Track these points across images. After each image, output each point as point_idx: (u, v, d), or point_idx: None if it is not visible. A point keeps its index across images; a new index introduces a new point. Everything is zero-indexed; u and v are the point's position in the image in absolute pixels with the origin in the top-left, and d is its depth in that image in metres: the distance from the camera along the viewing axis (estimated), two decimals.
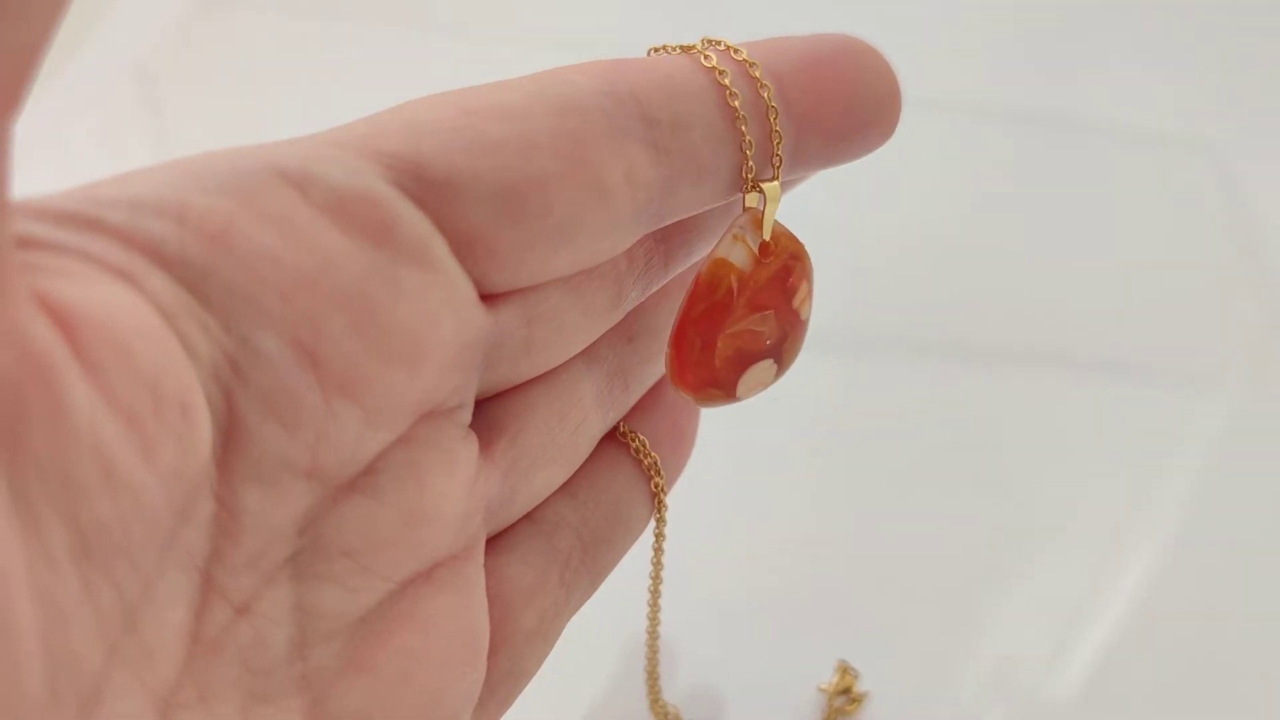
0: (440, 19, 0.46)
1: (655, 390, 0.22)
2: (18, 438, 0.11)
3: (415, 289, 0.15)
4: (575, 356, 0.20)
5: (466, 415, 0.18)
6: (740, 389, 0.20)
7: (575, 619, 0.21)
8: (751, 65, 0.17)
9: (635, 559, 0.23)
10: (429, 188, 0.15)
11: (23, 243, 0.13)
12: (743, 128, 0.17)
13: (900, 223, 0.41)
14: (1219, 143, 0.43)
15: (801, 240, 0.20)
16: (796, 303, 0.20)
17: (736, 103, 0.17)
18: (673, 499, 0.22)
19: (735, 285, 0.19)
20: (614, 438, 0.22)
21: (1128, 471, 0.35)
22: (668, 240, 0.20)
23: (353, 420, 0.15)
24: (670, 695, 0.29)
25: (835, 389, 0.36)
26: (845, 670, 0.30)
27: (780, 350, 0.20)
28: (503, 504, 0.19)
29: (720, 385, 0.20)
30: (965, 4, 0.49)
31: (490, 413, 0.19)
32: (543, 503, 0.20)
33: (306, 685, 0.16)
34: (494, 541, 0.19)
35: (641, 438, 0.22)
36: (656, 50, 0.18)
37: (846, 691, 0.29)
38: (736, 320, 0.19)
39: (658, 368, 0.22)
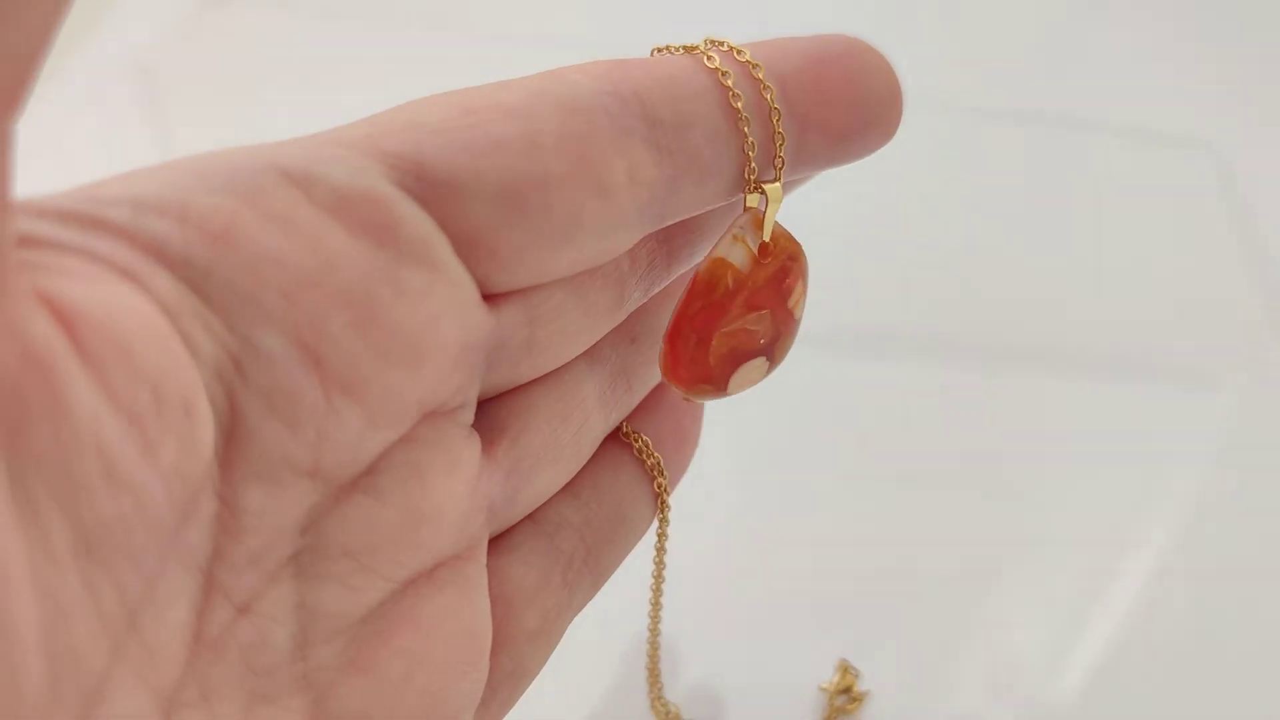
0: (442, 19, 0.46)
1: (658, 391, 0.22)
2: (19, 435, 0.11)
3: (417, 289, 0.15)
4: (578, 357, 0.20)
5: (469, 415, 0.18)
6: (731, 385, 0.20)
7: (577, 619, 0.21)
8: (755, 67, 0.17)
9: (637, 559, 0.23)
10: (432, 187, 0.15)
11: (25, 241, 0.13)
12: (745, 129, 0.17)
13: (903, 223, 0.41)
14: (1220, 142, 0.43)
15: (803, 240, 0.20)
16: (792, 303, 0.20)
17: (739, 104, 0.17)
18: (674, 499, 0.22)
19: (733, 285, 0.19)
20: (617, 438, 0.22)
21: (1129, 471, 0.35)
22: (670, 241, 0.20)
23: (355, 420, 0.15)
24: (671, 694, 0.29)
25: (837, 389, 0.36)
26: (846, 669, 0.30)
27: (773, 349, 0.20)
28: (505, 504, 0.19)
29: (712, 381, 0.20)
30: (966, 4, 0.49)
31: (493, 413, 0.19)
32: (545, 503, 0.20)
33: (308, 685, 0.16)
34: (496, 542, 0.19)
35: (644, 438, 0.22)
36: (660, 50, 0.18)
37: (847, 691, 0.29)
38: (733, 319, 0.19)
39: None
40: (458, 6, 0.47)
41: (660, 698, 0.28)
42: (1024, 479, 0.35)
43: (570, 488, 0.21)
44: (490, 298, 0.17)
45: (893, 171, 0.40)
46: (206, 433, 0.14)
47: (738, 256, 0.19)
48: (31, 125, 0.40)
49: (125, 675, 0.13)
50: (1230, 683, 0.31)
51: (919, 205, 0.42)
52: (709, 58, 0.17)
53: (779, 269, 0.19)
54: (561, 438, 0.19)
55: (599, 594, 0.21)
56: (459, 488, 0.17)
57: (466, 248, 0.16)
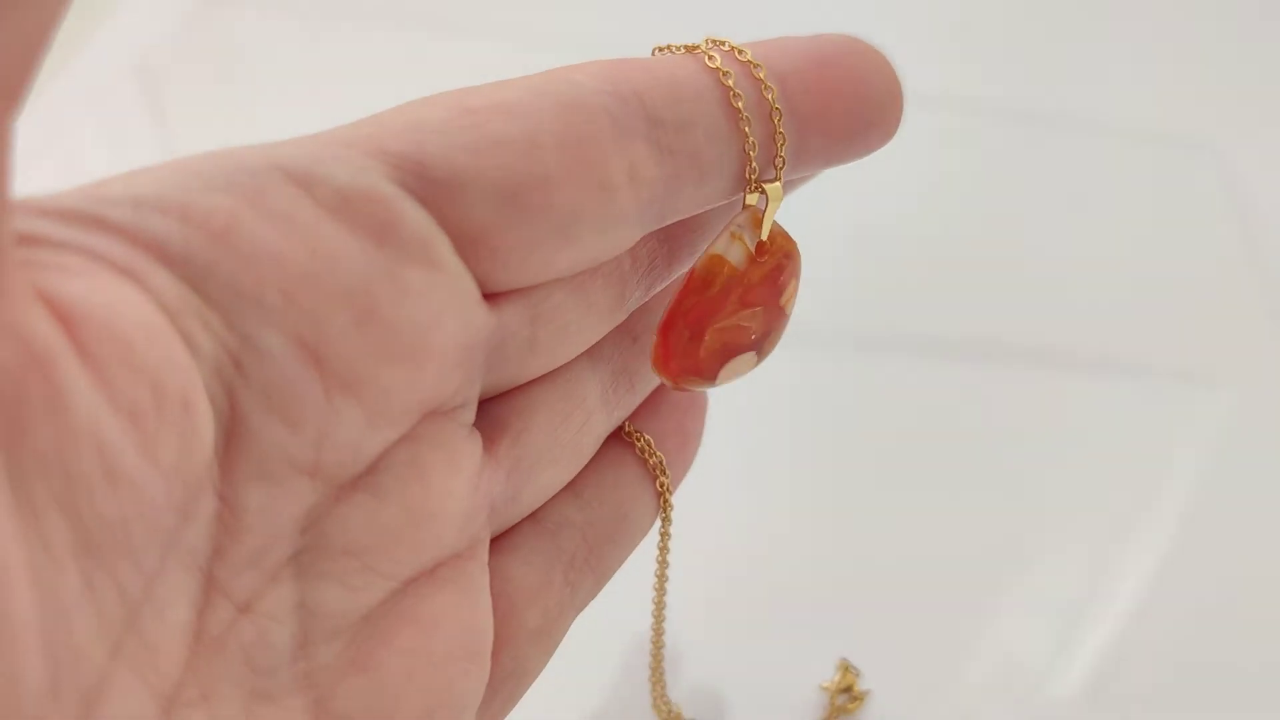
0: (442, 19, 0.46)
1: (661, 390, 0.22)
2: (19, 433, 0.11)
3: (418, 287, 0.15)
4: (579, 356, 0.20)
5: (470, 414, 0.18)
6: (720, 377, 0.20)
7: (579, 618, 0.21)
8: (756, 66, 0.17)
9: (638, 557, 0.23)
10: (432, 186, 0.15)
11: (25, 240, 0.13)
12: (746, 129, 0.17)
13: (903, 222, 0.41)
14: (1220, 141, 0.43)
15: (803, 239, 0.20)
16: (784, 300, 0.20)
17: (740, 104, 0.17)
18: (675, 499, 0.22)
19: (729, 282, 0.19)
20: (619, 437, 0.22)
21: (1130, 469, 0.35)
22: (671, 240, 0.20)
23: (355, 418, 0.15)
24: (672, 693, 0.29)
25: (838, 388, 0.36)
26: (847, 668, 0.30)
27: (763, 343, 0.20)
28: (507, 503, 0.19)
29: (700, 374, 0.20)
30: (967, 3, 0.49)
31: (494, 412, 0.19)
32: (547, 502, 0.20)
33: (309, 684, 0.16)
34: (498, 541, 0.19)
35: (647, 437, 0.22)
36: (661, 50, 0.18)
37: (848, 690, 0.29)
38: (727, 316, 0.19)
39: None
40: (458, 7, 0.47)
41: (663, 697, 0.28)
42: (1025, 478, 0.35)
43: (572, 487, 0.21)
44: (491, 297, 0.17)
45: (893, 170, 0.40)
46: (206, 431, 0.14)
47: (735, 255, 0.19)
48: (33, 125, 0.41)
49: (125, 674, 0.13)
50: (1232, 680, 0.31)
51: (919, 204, 0.42)
52: (710, 57, 0.17)
53: (774, 267, 0.19)
54: (563, 437, 0.19)
55: (600, 594, 0.21)
56: (460, 487, 0.17)
57: (467, 247, 0.16)
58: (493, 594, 0.19)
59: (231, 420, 0.14)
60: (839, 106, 0.18)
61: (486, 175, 0.15)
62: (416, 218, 0.15)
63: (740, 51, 0.17)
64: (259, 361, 0.14)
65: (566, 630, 0.20)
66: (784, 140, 0.18)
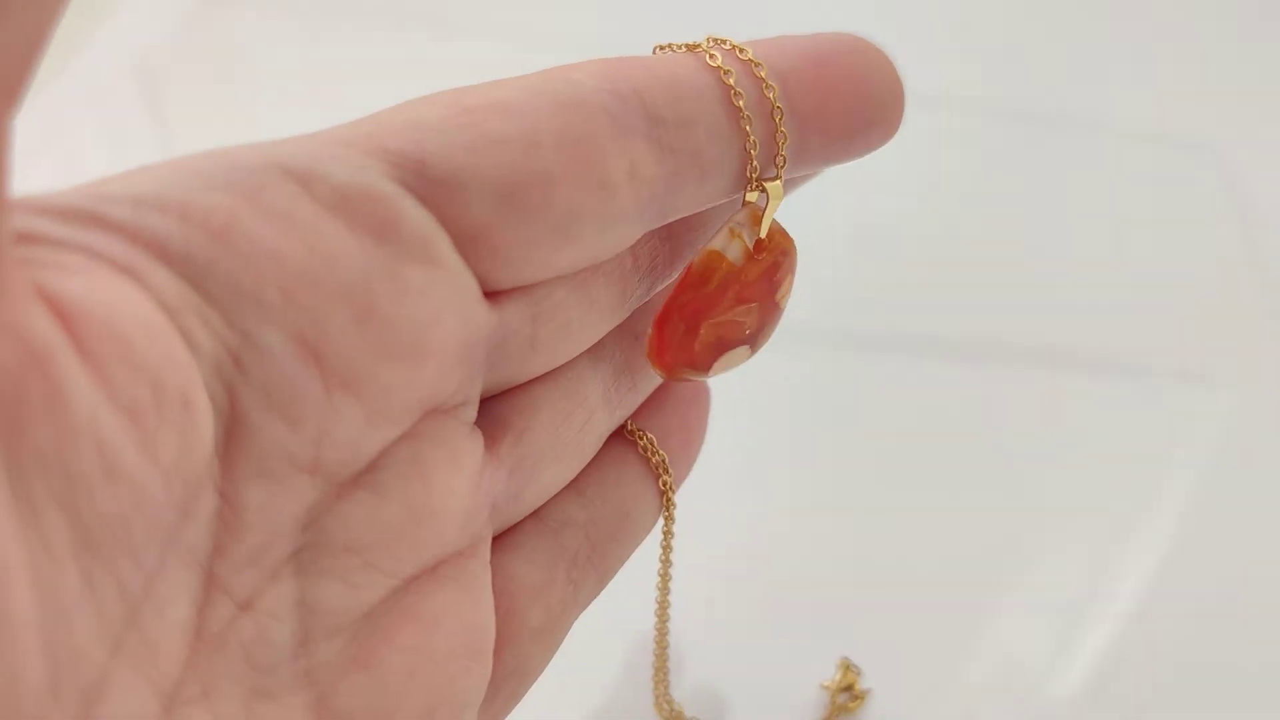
0: (443, 19, 0.46)
1: (664, 388, 0.22)
2: (18, 430, 0.11)
3: (418, 285, 0.15)
4: (581, 354, 0.20)
5: (471, 412, 0.18)
6: (714, 370, 0.20)
7: (582, 617, 0.21)
8: (757, 65, 0.17)
9: (639, 556, 0.23)
10: (432, 185, 0.15)
11: (25, 238, 0.13)
12: (748, 128, 0.17)
13: (904, 221, 0.41)
14: (1221, 140, 0.43)
15: (803, 238, 0.20)
16: (779, 295, 0.20)
17: (741, 103, 0.17)
18: (677, 498, 0.22)
19: (726, 279, 0.19)
20: (622, 436, 0.22)
21: (1130, 469, 0.35)
22: (673, 239, 0.20)
23: (355, 416, 0.15)
24: (673, 692, 0.29)
25: (840, 388, 0.36)
26: (848, 667, 0.30)
27: (756, 337, 0.20)
28: (509, 502, 0.19)
29: (695, 367, 0.20)
30: (968, 2, 0.49)
31: (496, 410, 0.19)
32: (550, 501, 0.20)
33: (310, 682, 0.16)
34: (500, 539, 0.19)
35: (649, 435, 0.22)
36: (661, 48, 0.18)
37: (849, 689, 0.29)
38: (723, 311, 0.19)
39: None
40: (459, 6, 0.47)
41: (666, 696, 0.28)
42: (1025, 477, 0.35)
43: (575, 485, 0.21)
44: (492, 295, 0.17)
45: (894, 170, 0.40)
46: (206, 428, 0.14)
47: (733, 252, 0.19)
48: (33, 125, 0.41)
49: (126, 672, 0.13)
50: (1233, 679, 0.31)
51: (920, 204, 0.42)
52: (711, 56, 0.17)
53: (771, 264, 0.19)
54: (565, 435, 0.19)
55: (603, 593, 0.21)
56: (461, 485, 0.17)
57: (467, 244, 0.16)
58: (495, 592, 0.19)
59: (231, 418, 0.14)
60: (840, 105, 0.18)
61: (486, 173, 0.15)
62: (416, 216, 0.15)
63: (741, 50, 0.17)
64: (259, 359, 0.14)
65: (569, 629, 0.20)
66: (785, 139, 0.18)
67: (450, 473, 0.17)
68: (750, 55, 0.17)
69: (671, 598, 0.25)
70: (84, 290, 0.13)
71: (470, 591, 0.18)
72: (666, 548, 0.23)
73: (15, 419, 0.11)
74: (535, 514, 0.20)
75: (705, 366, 0.20)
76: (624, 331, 0.21)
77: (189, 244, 0.14)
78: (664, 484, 0.22)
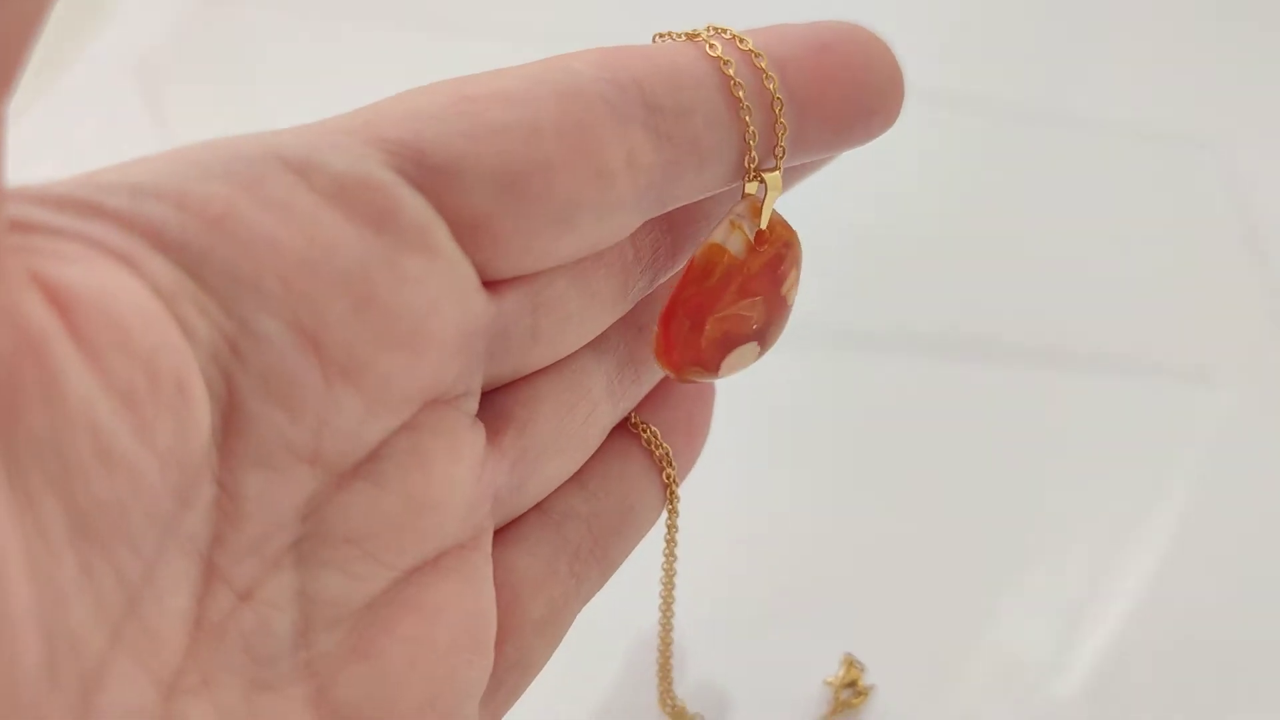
0: (443, 18, 0.46)
1: (668, 381, 0.22)
2: (13, 416, 0.11)
3: (417, 274, 0.15)
4: (584, 347, 0.19)
5: (472, 404, 0.17)
6: (723, 369, 0.20)
7: (585, 612, 0.21)
8: (757, 56, 0.17)
9: (642, 554, 0.23)
10: (430, 173, 0.15)
11: (20, 226, 0.13)
12: (747, 118, 0.17)
13: (905, 220, 0.41)
14: (1222, 139, 0.43)
15: (806, 235, 0.20)
16: (785, 289, 0.20)
17: (741, 93, 0.17)
18: (681, 494, 0.22)
19: (728, 271, 0.19)
20: (625, 428, 0.22)
21: (1132, 467, 0.34)
22: (675, 230, 0.20)
23: (355, 405, 0.15)
24: (676, 688, 0.29)
25: (842, 385, 0.36)
26: (851, 663, 0.29)
27: (764, 333, 0.20)
28: (511, 494, 0.19)
29: (703, 365, 0.20)
30: (968, 2, 0.49)
31: (499, 402, 0.19)
32: (553, 493, 0.20)
33: (311, 672, 0.16)
34: (503, 532, 0.19)
35: (653, 429, 0.21)
36: (661, 37, 0.18)
37: (852, 684, 0.29)
38: (727, 305, 0.19)
39: None
40: (459, 6, 0.47)
41: (669, 692, 0.28)
42: (1027, 476, 0.34)
43: (578, 478, 0.20)
44: (491, 284, 0.17)
45: (895, 168, 0.40)
46: (203, 416, 0.14)
47: (734, 243, 0.19)
48: (34, 124, 0.41)
49: (125, 661, 0.13)
50: (1234, 678, 0.30)
51: (921, 202, 0.42)
52: (711, 46, 0.17)
53: (774, 256, 0.19)
54: (568, 427, 0.19)
55: (607, 589, 0.21)
56: (462, 476, 0.17)
57: (466, 234, 0.16)
58: (497, 585, 0.19)
59: (229, 406, 0.14)
60: (838, 92, 0.18)
61: (485, 162, 0.15)
62: (414, 205, 0.15)
63: (741, 40, 0.17)
64: (257, 347, 0.14)
65: (571, 622, 0.20)
66: (785, 130, 0.18)
67: (451, 464, 0.17)
68: (750, 45, 0.17)
69: (675, 593, 0.25)
70: (80, 277, 0.13)
71: (472, 583, 0.18)
72: (670, 541, 0.23)
73: (10, 405, 0.11)
74: (538, 506, 0.20)
75: (714, 364, 0.20)
76: (627, 324, 0.21)
77: (185, 232, 0.14)
78: (668, 477, 0.22)
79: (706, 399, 0.23)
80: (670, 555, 0.24)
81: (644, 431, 0.21)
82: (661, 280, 0.20)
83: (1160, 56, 0.47)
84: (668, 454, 0.21)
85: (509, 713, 0.20)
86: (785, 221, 0.19)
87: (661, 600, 0.25)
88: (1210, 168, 0.42)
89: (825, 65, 0.18)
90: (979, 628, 0.31)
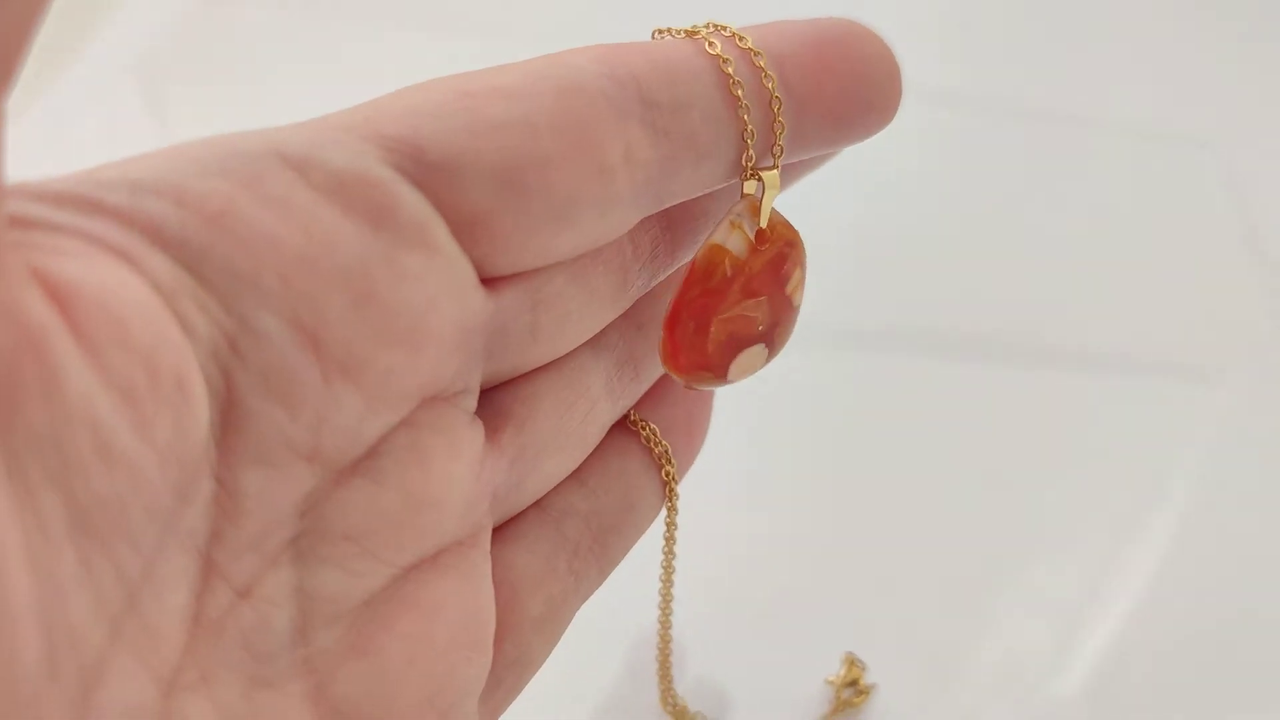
0: (444, 17, 0.46)
1: (667, 379, 0.22)
2: (13, 411, 0.11)
3: (415, 271, 0.15)
4: (583, 345, 0.20)
5: (471, 401, 0.17)
6: (731, 372, 0.20)
7: (585, 610, 0.21)
8: (756, 54, 0.17)
9: (643, 552, 0.23)
10: (429, 170, 0.15)
11: (20, 223, 0.13)
12: (745, 116, 0.17)
13: (906, 219, 0.41)
14: (1223, 138, 0.43)
15: (807, 235, 0.20)
16: (789, 289, 0.20)
17: (740, 91, 0.17)
18: (681, 493, 0.22)
19: (730, 271, 0.19)
20: (624, 426, 0.22)
21: (1133, 467, 0.35)
22: (673, 228, 0.20)
23: (353, 402, 0.15)
24: (677, 687, 0.29)
25: (842, 384, 0.36)
26: (852, 662, 0.29)
27: (772, 335, 0.20)
28: (510, 491, 0.19)
29: (711, 369, 0.20)
30: (969, 2, 0.49)
31: (498, 400, 0.19)
32: (552, 491, 0.20)
33: (310, 669, 0.16)
34: (502, 529, 0.19)
35: (652, 426, 0.21)
36: (661, 33, 0.18)
37: (854, 684, 0.29)
38: (730, 305, 0.19)
39: None
40: (460, 6, 0.47)
41: (670, 691, 0.28)
42: (1028, 475, 0.34)
43: (577, 475, 0.20)
44: (490, 281, 0.17)
45: (895, 168, 0.40)
46: (202, 412, 0.14)
47: (735, 243, 0.19)
48: (35, 123, 0.41)
49: (125, 657, 0.13)
50: (1235, 678, 0.30)
51: (921, 202, 0.42)
52: (710, 43, 0.17)
53: (776, 255, 0.19)
54: (567, 425, 0.19)
55: (607, 586, 0.21)
56: (461, 473, 0.17)
57: (464, 231, 0.16)
58: (496, 582, 0.19)
59: (228, 402, 0.14)
60: (835, 87, 0.18)
61: (483, 158, 0.15)
62: (412, 201, 0.15)
63: (741, 38, 0.17)
64: (256, 344, 0.14)
65: (570, 619, 0.20)
66: (783, 129, 0.18)
67: (450, 461, 0.17)
68: (750, 44, 0.17)
69: (675, 590, 0.25)
70: (79, 273, 0.13)
71: (471, 580, 0.18)
72: (669, 539, 0.23)
73: (10, 400, 0.11)
74: (537, 504, 0.20)
75: (722, 368, 0.20)
76: (627, 322, 0.21)
77: (184, 229, 0.14)
78: (667, 475, 0.22)
79: (706, 397, 0.23)
80: (669, 553, 0.24)
81: (643, 429, 0.21)
82: (660, 278, 0.20)
83: (1160, 56, 0.47)
84: (667, 451, 0.21)
85: (516, 711, 0.20)
86: (787, 221, 0.19)
87: (660, 598, 0.25)
88: (1210, 167, 0.42)
89: (823, 61, 0.18)
90: (979, 627, 0.31)
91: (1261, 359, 0.37)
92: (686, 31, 0.18)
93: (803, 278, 0.20)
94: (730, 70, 0.17)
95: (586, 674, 0.29)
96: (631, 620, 0.29)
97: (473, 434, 0.17)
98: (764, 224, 0.19)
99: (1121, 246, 0.40)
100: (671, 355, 0.19)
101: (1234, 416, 0.36)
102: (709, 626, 0.30)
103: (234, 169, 0.14)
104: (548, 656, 0.20)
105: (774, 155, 0.18)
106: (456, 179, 0.15)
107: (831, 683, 0.29)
